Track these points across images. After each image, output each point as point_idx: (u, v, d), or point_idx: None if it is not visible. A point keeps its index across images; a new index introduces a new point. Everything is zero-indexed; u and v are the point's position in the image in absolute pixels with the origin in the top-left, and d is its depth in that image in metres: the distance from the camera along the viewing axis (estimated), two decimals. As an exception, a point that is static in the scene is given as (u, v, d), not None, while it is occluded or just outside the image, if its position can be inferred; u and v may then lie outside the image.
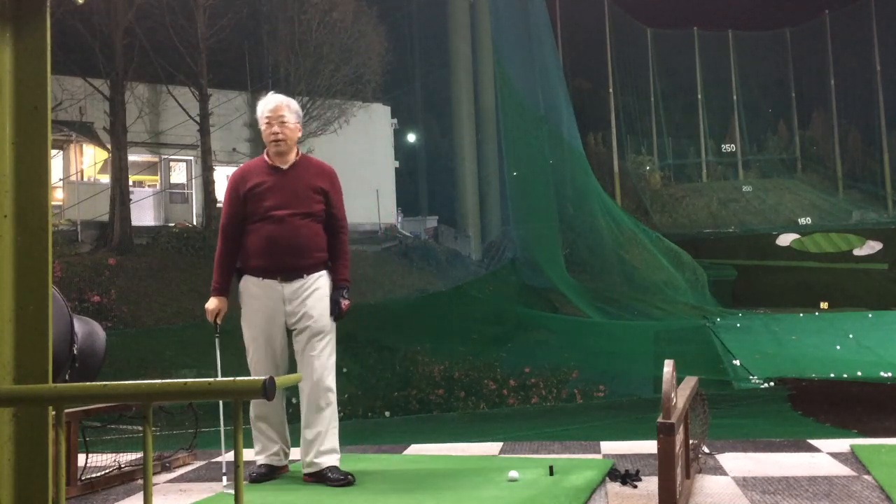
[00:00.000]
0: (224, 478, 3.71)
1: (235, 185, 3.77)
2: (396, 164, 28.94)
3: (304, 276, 3.68)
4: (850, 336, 19.12)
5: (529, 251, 29.34)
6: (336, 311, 3.72)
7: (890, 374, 14.07)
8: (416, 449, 4.47)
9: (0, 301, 1.59)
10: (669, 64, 53.92)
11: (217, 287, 3.77)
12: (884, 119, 51.40)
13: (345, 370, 13.49)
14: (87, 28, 18.51)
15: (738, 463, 3.75)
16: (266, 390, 1.35)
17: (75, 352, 3.48)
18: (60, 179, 20.29)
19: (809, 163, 54.71)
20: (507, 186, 31.20)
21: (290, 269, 3.66)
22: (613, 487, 3.35)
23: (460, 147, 32.03)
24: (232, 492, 3.25)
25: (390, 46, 24.57)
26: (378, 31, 24.05)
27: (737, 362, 16.14)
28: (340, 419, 3.80)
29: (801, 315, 25.79)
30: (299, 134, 3.82)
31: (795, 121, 55.61)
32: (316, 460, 3.59)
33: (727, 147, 53.90)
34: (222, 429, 3.77)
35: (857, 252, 37.48)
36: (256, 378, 1.37)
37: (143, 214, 21.34)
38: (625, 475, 3.42)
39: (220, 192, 20.75)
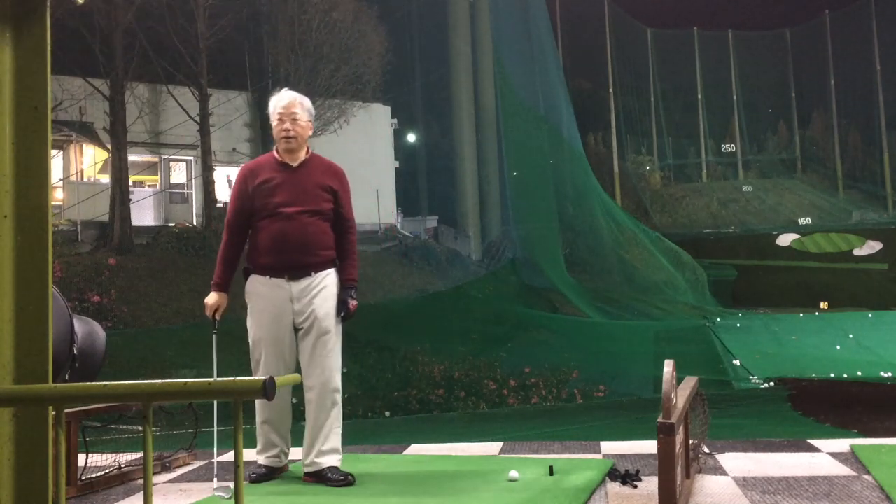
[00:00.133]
0: (215, 479, 3.68)
1: (244, 179, 3.75)
2: (396, 164, 28.94)
3: (312, 273, 3.65)
4: (850, 336, 19.13)
5: (529, 251, 29.33)
6: (344, 311, 3.70)
7: (890, 374, 14.07)
8: (416, 449, 4.47)
9: (0, 301, 1.59)
10: (669, 64, 53.93)
11: (218, 282, 3.75)
12: (884, 119, 51.40)
13: (345, 370, 13.40)
14: (87, 28, 18.52)
15: (738, 463, 3.75)
16: (266, 390, 1.35)
17: (75, 352, 3.48)
18: (60, 179, 20.28)
19: (809, 163, 54.72)
20: (507, 186, 31.19)
21: (298, 266, 3.63)
22: (613, 487, 3.35)
23: (460, 147, 32.02)
24: (224, 495, 3.25)
25: (390, 46, 24.56)
26: (378, 31, 24.06)
27: (737, 362, 16.14)
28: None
29: (801, 315, 25.79)
30: (310, 132, 3.81)
31: (795, 121, 55.61)
32: (317, 460, 3.59)
33: (727, 147, 53.91)
34: (216, 429, 3.75)
35: (857, 252, 37.50)
36: (256, 378, 1.36)
37: (143, 214, 21.33)
38: (625, 475, 3.42)
39: (220, 192, 20.76)
